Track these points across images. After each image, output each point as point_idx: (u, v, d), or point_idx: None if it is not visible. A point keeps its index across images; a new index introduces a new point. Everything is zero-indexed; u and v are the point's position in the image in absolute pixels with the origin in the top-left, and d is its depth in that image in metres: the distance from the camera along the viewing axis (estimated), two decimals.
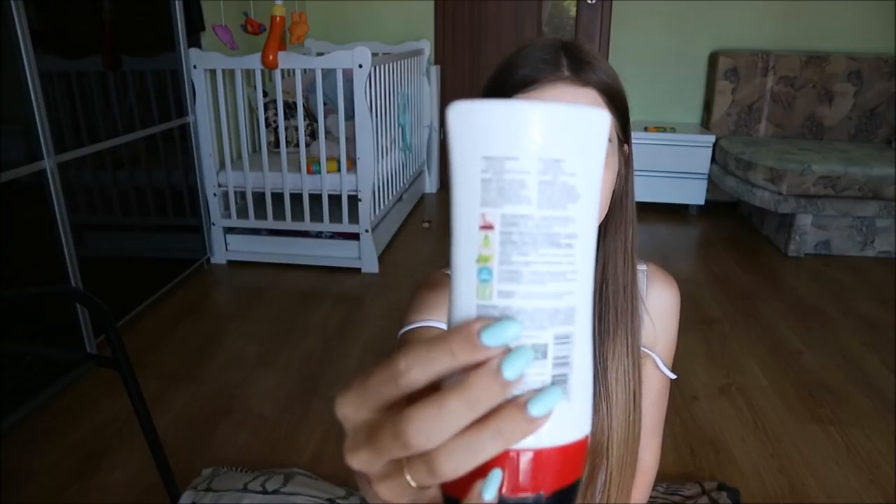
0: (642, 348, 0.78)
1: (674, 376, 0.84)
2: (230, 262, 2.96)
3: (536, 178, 0.25)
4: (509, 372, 0.24)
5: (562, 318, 0.26)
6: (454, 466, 0.24)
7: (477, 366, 0.24)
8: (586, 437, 0.28)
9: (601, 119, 0.26)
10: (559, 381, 0.26)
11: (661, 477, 1.61)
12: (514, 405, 0.24)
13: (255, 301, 2.61)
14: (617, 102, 0.65)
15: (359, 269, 2.89)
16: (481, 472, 0.26)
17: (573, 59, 0.63)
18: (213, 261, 2.95)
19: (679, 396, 1.97)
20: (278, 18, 2.59)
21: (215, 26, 2.75)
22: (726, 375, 2.10)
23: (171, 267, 2.68)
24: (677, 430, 1.82)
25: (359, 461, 0.27)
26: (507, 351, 0.25)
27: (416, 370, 0.25)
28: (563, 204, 0.25)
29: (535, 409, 0.24)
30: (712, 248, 3.32)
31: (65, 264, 2.01)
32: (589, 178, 0.26)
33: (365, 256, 2.88)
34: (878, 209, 3.03)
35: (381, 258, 2.97)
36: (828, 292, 2.74)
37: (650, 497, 1.48)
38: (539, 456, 0.26)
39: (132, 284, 2.43)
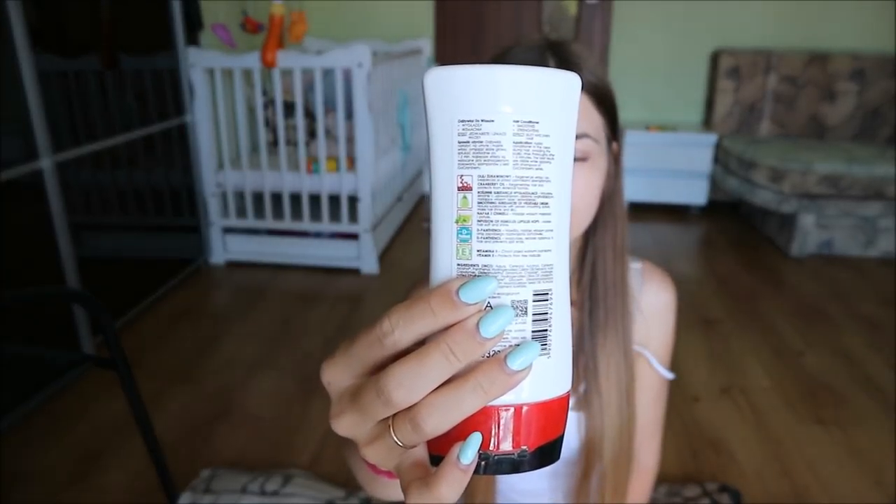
0: (635, 346, 0.78)
1: (671, 376, 0.84)
2: (229, 263, 2.95)
3: (511, 139, 0.25)
4: (486, 329, 0.25)
5: (540, 275, 0.26)
6: (436, 422, 0.25)
7: (458, 323, 0.25)
8: (568, 394, 0.29)
9: (573, 81, 0.27)
10: (539, 338, 0.27)
11: (662, 478, 1.60)
12: (493, 360, 0.25)
13: (254, 301, 2.60)
14: (605, 102, 0.65)
15: (358, 270, 2.88)
16: (465, 430, 0.26)
17: (559, 61, 0.63)
18: (211, 261, 2.93)
19: (680, 397, 1.96)
20: (277, 17, 2.58)
21: (214, 25, 2.74)
22: (728, 376, 2.09)
23: (169, 267, 2.67)
24: (678, 431, 1.81)
25: (344, 426, 0.28)
26: (487, 308, 0.25)
27: (400, 330, 0.25)
28: (538, 164, 0.26)
29: (514, 363, 0.25)
30: (714, 249, 3.31)
31: (62, 264, 2.00)
32: (563, 139, 0.27)
33: (364, 256, 2.87)
34: (881, 209, 3.02)
35: (380, 258, 2.96)
36: (830, 293, 2.73)
37: (651, 498, 1.47)
38: (521, 412, 0.27)
39: (130, 285, 2.42)
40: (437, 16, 3.92)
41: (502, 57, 0.66)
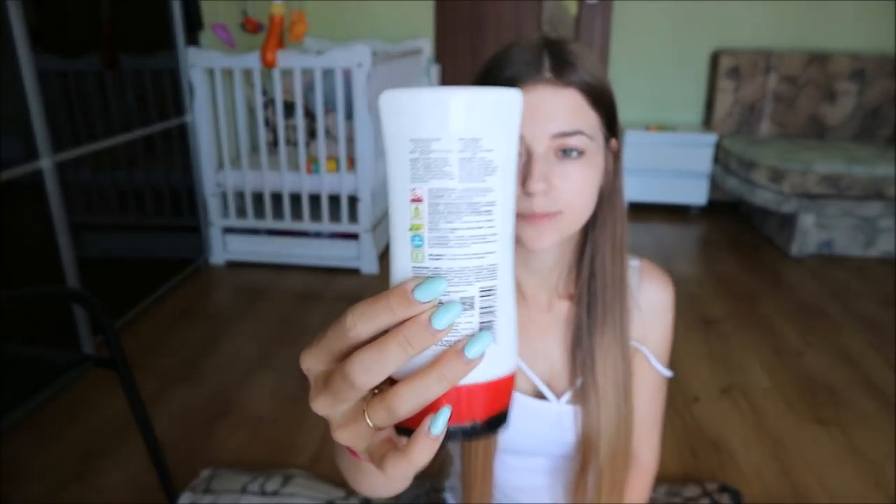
0: (633, 342, 0.78)
1: (669, 373, 0.84)
2: (228, 263, 2.95)
3: (457, 155, 0.28)
4: (438, 322, 0.28)
5: (486, 274, 0.30)
6: (408, 407, 0.29)
7: (414, 317, 0.29)
8: (513, 373, 0.33)
9: (513, 99, 0.30)
10: (486, 327, 0.30)
11: (662, 478, 1.60)
12: (452, 351, 0.29)
13: (254, 301, 2.60)
14: (601, 101, 0.66)
15: (358, 270, 2.88)
16: (429, 406, 0.30)
17: (555, 60, 0.64)
18: (211, 261, 2.94)
19: (680, 397, 1.96)
20: (277, 17, 2.58)
21: (214, 25, 2.74)
22: (728, 376, 2.09)
23: (169, 267, 2.67)
24: (679, 430, 1.81)
25: (319, 406, 0.32)
26: (439, 304, 0.29)
27: (361, 325, 0.29)
28: (482, 177, 0.29)
29: (471, 352, 0.29)
30: (714, 249, 3.31)
31: (62, 264, 2.00)
32: (505, 152, 0.30)
33: (364, 256, 2.87)
34: (881, 209, 3.02)
35: (380, 258, 2.95)
36: (830, 292, 2.73)
37: (651, 498, 1.47)
38: (473, 391, 0.31)
39: (130, 285, 2.43)
40: (437, 16, 3.91)
41: (500, 57, 0.66)
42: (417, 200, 0.29)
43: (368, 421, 0.31)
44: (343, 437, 0.32)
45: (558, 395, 0.78)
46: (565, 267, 0.77)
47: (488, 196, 0.29)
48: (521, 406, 0.77)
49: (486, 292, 0.30)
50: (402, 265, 0.30)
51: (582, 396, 0.76)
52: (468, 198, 0.29)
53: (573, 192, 0.64)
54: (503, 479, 0.85)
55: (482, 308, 0.30)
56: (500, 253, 0.30)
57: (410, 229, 0.29)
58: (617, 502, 0.79)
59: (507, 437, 0.78)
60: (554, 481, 0.85)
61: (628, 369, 0.76)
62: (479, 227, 0.29)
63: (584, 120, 0.64)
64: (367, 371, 0.29)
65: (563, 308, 0.78)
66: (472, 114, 0.28)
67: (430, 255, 0.29)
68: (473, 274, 0.29)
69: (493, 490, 0.81)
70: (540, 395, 0.78)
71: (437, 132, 0.28)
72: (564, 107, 0.63)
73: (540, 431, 0.78)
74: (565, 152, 0.64)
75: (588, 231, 0.74)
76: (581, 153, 0.64)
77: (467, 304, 0.29)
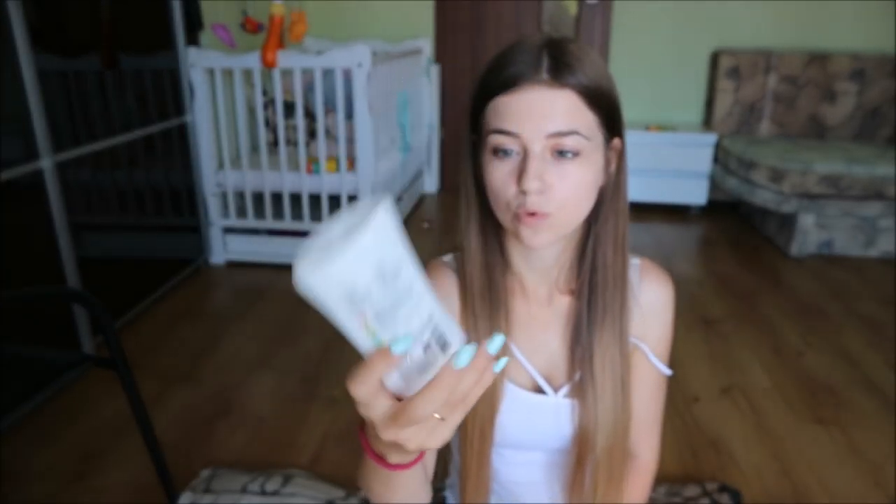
0: (632, 339, 0.79)
1: (668, 371, 0.84)
2: (229, 263, 2.95)
3: (375, 285, 0.37)
4: (460, 361, 0.40)
5: (426, 321, 0.40)
6: (469, 408, 0.42)
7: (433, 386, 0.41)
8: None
9: (384, 217, 0.36)
10: (444, 345, 0.42)
11: (662, 478, 1.60)
12: (481, 355, 0.41)
13: (254, 301, 2.60)
14: (600, 101, 0.66)
15: None
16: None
17: (554, 61, 0.64)
18: (211, 261, 2.94)
19: (680, 397, 1.96)
20: (277, 17, 2.58)
21: (214, 25, 2.74)
22: (728, 376, 2.09)
23: (169, 267, 2.67)
24: (679, 430, 1.81)
25: (391, 438, 0.43)
26: (453, 355, 0.41)
27: (361, 387, 0.41)
28: (398, 279, 0.38)
29: (492, 348, 0.41)
30: (714, 249, 3.31)
31: (62, 264, 2.00)
32: (402, 248, 0.38)
33: None
34: (881, 209, 3.02)
35: None
36: (830, 292, 2.73)
37: (651, 498, 1.47)
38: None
39: (130, 285, 2.43)
40: (437, 16, 3.92)
41: (502, 56, 0.67)
42: (363, 318, 0.38)
43: (448, 425, 0.43)
44: (420, 442, 0.43)
45: (556, 390, 0.78)
46: (566, 262, 0.77)
47: (407, 283, 0.38)
48: (518, 400, 0.77)
49: (433, 330, 0.41)
50: (367, 350, 0.40)
51: (580, 390, 0.76)
52: (395, 299, 0.38)
53: (568, 191, 0.65)
54: (502, 474, 0.86)
55: (435, 337, 0.41)
56: (428, 302, 0.40)
57: (366, 332, 0.39)
58: (614, 497, 0.79)
59: (505, 431, 0.78)
60: (551, 476, 0.85)
61: (627, 365, 0.77)
62: (410, 307, 0.39)
63: (581, 120, 0.64)
64: (413, 438, 0.42)
65: (564, 303, 0.78)
66: (364, 256, 0.35)
67: (387, 339, 0.39)
68: (421, 328, 0.40)
69: (490, 483, 0.81)
70: (538, 390, 0.78)
71: (352, 280, 0.35)
72: (561, 107, 0.63)
73: (537, 425, 0.79)
74: (561, 153, 0.64)
75: (591, 226, 0.74)
76: (577, 154, 0.64)
77: (425, 343, 0.41)
